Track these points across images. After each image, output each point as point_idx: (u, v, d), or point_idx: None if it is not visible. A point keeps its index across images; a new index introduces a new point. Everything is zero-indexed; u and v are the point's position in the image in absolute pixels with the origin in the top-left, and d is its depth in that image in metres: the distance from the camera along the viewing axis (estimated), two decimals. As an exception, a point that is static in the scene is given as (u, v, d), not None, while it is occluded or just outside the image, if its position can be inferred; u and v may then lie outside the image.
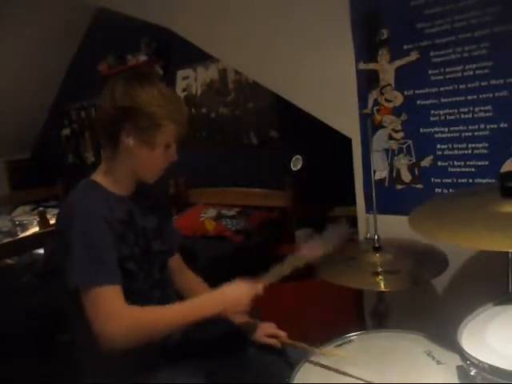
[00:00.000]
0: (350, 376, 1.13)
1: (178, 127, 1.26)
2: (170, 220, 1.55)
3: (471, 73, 1.55)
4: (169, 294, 1.40)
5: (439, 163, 1.68)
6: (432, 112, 1.66)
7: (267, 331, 1.39)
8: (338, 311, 2.06)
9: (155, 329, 1.18)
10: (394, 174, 1.80)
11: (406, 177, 1.77)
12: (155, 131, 1.23)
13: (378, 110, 1.79)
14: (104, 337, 1.11)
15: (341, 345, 1.28)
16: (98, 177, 1.30)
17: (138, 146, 1.24)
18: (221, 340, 1.42)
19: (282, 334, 1.38)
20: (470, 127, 1.59)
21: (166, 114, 1.23)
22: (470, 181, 1.62)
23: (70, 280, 1.15)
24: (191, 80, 3.66)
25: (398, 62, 1.69)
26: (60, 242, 1.20)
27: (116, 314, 1.13)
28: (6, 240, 3.21)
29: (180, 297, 1.47)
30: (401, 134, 1.75)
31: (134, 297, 1.18)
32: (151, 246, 1.33)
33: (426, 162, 1.71)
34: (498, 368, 0.93)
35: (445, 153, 1.66)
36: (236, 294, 1.24)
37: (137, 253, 1.28)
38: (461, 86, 1.58)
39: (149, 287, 1.31)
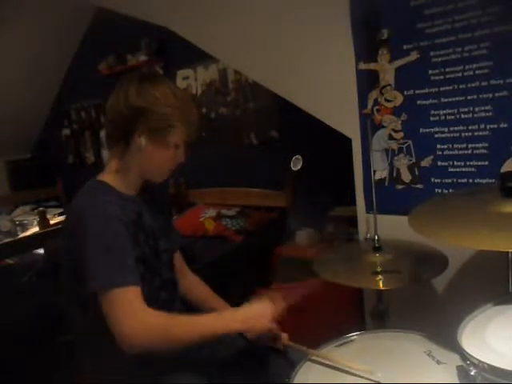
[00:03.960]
0: (351, 374, 1.13)
1: (189, 129, 1.27)
2: (171, 219, 1.56)
3: (471, 73, 1.55)
4: (175, 295, 1.40)
5: (439, 163, 1.68)
6: (432, 112, 1.66)
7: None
8: (337, 311, 2.06)
9: (178, 338, 1.15)
10: (394, 174, 1.80)
11: (406, 177, 1.77)
12: (167, 132, 1.24)
13: (378, 110, 1.79)
14: (127, 339, 1.09)
15: (341, 345, 1.28)
16: (107, 177, 1.29)
17: (149, 146, 1.25)
18: (221, 340, 1.42)
19: (284, 335, 1.38)
20: (470, 127, 1.59)
21: (178, 115, 1.24)
22: (470, 181, 1.62)
23: (89, 284, 1.12)
24: (191, 80, 3.66)
25: (398, 62, 1.69)
26: (72, 243, 1.18)
27: (138, 315, 1.11)
28: (6, 240, 3.21)
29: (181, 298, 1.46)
30: (401, 134, 1.75)
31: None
32: (158, 246, 1.33)
33: (426, 162, 1.71)
34: (497, 368, 0.93)
35: (445, 153, 1.66)
36: (259, 315, 1.22)
37: (147, 253, 1.27)
38: (461, 86, 1.58)
39: (155, 288, 1.31)
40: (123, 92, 1.25)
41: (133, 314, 1.11)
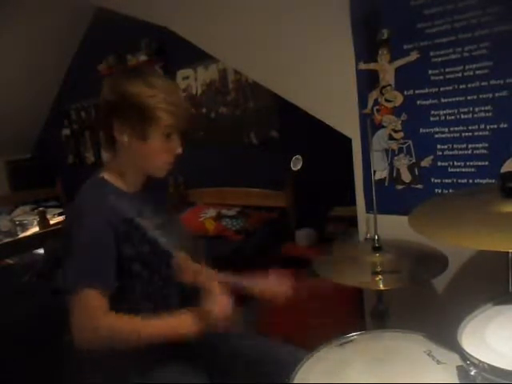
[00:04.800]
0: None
1: (173, 117, 1.23)
2: (172, 215, 1.56)
3: (471, 73, 1.55)
4: (173, 291, 1.40)
5: (439, 163, 1.68)
6: (432, 112, 1.66)
7: None
8: (337, 311, 2.06)
9: (128, 340, 1.16)
10: (394, 174, 1.80)
11: (406, 177, 1.77)
12: (146, 123, 1.22)
13: (378, 110, 1.79)
14: (79, 338, 1.13)
15: (341, 345, 1.27)
16: (107, 174, 1.29)
17: (132, 140, 1.24)
18: (222, 339, 1.42)
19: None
20: (470, 127, 1.59)
21: (156, 104, 1.21)
22: (470, 181, 1.62)
23: (64, 279, 1.17)
24: (191, 80, 3.66)
25: (398, 62, 1.69)
26: (65, 240, 1.20)
27: (96, 321, 1.13)
28: (6, 240, 3.21)
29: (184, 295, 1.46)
30: (401, 134, 1.75)
31: (138, 296, 1.18)
32: (160, 242, 1.33)
33: (426, 162, 1.71)
34: (497, 368, 0.93)
35: (445, 153, 1.66)
36: (207, 310, 1.20)
37: (144, 251, 1.27)
38: (461, 86, 1.58)
39: (154, 284, 1.31)
40: (101, 92, 1.26)
41: (87, 320, 1.13)
